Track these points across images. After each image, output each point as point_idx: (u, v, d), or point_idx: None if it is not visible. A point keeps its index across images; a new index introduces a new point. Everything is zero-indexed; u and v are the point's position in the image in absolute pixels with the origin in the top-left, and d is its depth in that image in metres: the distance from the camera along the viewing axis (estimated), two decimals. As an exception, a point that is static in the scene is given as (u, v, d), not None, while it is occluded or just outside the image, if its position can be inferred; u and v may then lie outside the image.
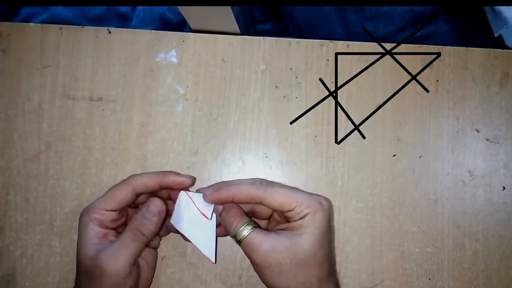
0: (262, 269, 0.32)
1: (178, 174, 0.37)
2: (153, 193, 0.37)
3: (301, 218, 0.32)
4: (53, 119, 0.41)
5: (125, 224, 0.37)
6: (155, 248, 0.39)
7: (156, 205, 0.34)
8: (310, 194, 0.34)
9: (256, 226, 0.33)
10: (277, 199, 0.33)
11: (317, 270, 0.32)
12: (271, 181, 0.35)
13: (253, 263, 0.33)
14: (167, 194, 0.38)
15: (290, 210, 0.33)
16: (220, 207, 0.35)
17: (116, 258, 0.33)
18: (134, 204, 0.37)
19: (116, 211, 0.35)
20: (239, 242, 0.33)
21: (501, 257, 0.39)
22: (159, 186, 0.36)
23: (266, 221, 0.37)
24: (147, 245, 0.35)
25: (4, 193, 0.40)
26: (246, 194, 0.33)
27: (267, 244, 0.32)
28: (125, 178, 0.36)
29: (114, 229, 0.36)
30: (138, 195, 0.36)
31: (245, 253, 0.33)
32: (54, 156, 0.41)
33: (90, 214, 0.34)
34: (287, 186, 0.35)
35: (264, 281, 0.33)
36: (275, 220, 0.36)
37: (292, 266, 0.31)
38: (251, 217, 0.37)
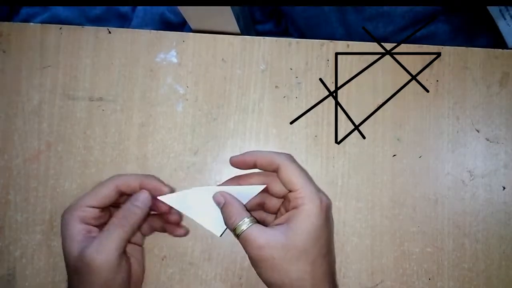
0: (257, 263, 0.32)
1: (159, 180, 0.38)
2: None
3: (296, 207, 0.33)
4: (53, 119, 0.41)
5: (105, 223, 0.37)
6: (140, 245, 0.39)
7: (144, 195, 0.35)
8: (318, 189, 0.35)
9: (255, 221, 0.34)
10: (289, 172, 0.34)
11: (310, 267, 0.32)
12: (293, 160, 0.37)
13: (249, 257, 0.33)
14: None
15: (293, 191, 0.34)
16: (222, 201, 0.35)
17: (102, 251, 0.32)
18: (116, 204, 0.37)
19: (98, 208, 0.35)
20: (237, 236, 0.33)
21: (501, 257, 0.39)
22: (140, 187, 0.36)
23: (274, 216, 0.38)
24: (129, 240, 0.35)
25: (4, 193, 0.40)
26: (267, 159, 0.35)
27: (263, 239, 0.32)
28: (109, 178, 0.37)
29: (96, 226, 0.35)
30: (120, 194, 0.36)
31: (242, 247, 0.33)
32: (54, 156, 0.41)
33: (71, 211, 0.34)
34: (302, 172, 0.35)
35: (259, 275, 0.33)
36: (281, 213, 0.37)
37: (285, 262, 0.32)
38: (260, 209, 0.38)
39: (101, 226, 0.36)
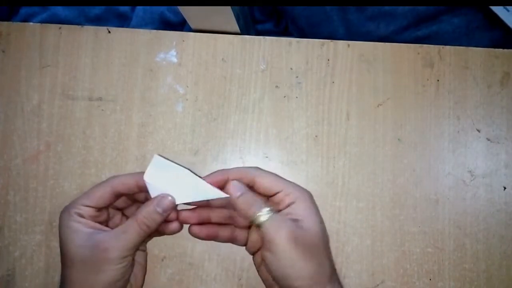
0: (282, 253, 0.32)
1: None
2: (132, 195, 0.37)
3: (288, 206, 0.34)
4: (53, 119, 0.41)
5: (106, 222, 0.36)
6: (144, 251, 0.39)
7: (169, 201, 0.35)
8: (294, 184, 0.36)
9: (275, 210, 0.34)
10: (267, 179, 0.35)
11: (326, 251, 0.34)
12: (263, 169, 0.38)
13: (270, 249, 0.32)
14: (144, 197, 0.37)
15: (275, 194, 0.35)
16: (238, 193, 0.34)
17: (120, 243, 0.33)
18: (114, 206, 0.37)
19: (93, 208, 0.35)
20: (257, 226, 0.33)
21: (502, 257, 0.38)
22: (136, 184, 0.35)
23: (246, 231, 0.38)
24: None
25: (4, 193, 0.40)
26: (239, 173, 0.36)
27: (286, 228, 0.32)
28: (106, 179, 0.36)
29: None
30: (117, 196, 0.36)
31: (264, 238, 0.33)
32: (53, 156, 0.40)
33: (68, 210, 0.34)
34: (277, 175, 0.37)
35: (276, 270, 0.32)
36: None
37: (312, 248, 0.33)
38: (231, 224, 0.38)
39: (100, 224, 0.35)
